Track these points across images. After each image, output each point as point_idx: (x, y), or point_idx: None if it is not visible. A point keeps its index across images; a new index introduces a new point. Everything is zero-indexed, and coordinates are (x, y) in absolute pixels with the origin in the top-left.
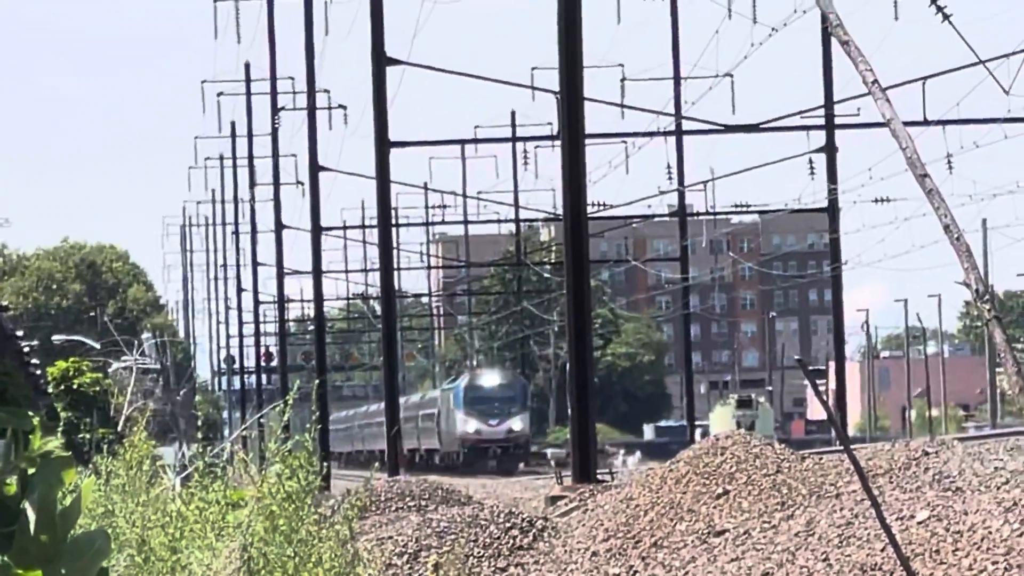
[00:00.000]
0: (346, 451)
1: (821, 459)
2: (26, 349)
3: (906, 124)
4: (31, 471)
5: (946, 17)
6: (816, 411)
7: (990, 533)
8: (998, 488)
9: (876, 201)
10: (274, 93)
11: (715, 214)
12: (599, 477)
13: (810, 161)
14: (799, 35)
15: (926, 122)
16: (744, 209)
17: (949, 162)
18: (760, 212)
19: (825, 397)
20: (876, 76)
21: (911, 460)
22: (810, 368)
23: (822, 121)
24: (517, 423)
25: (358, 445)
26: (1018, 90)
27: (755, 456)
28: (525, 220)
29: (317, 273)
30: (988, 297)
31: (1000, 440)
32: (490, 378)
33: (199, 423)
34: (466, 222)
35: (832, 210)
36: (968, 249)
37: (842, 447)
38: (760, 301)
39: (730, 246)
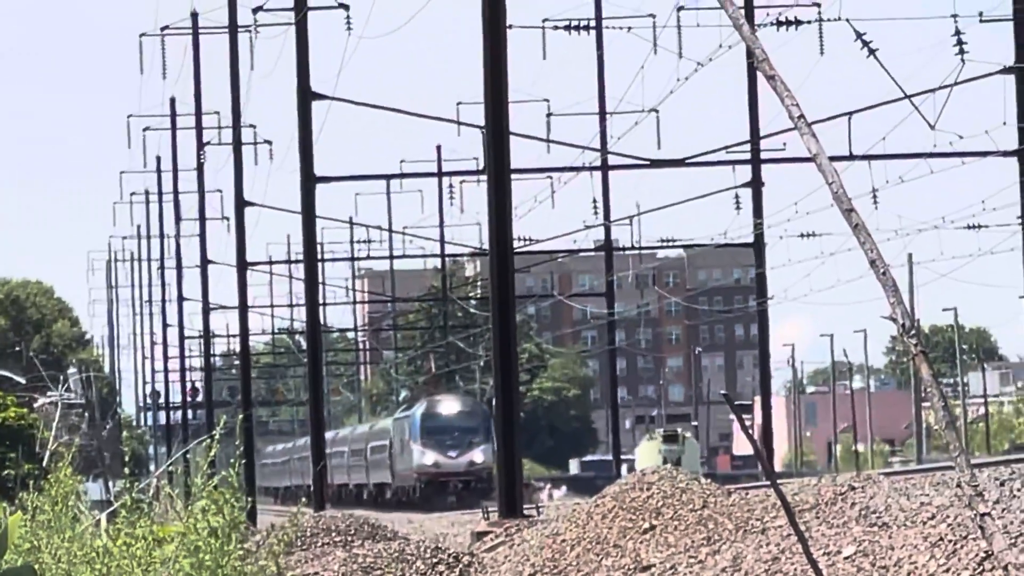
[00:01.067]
0: (282, 486)
1: (747, 494)
2: None
3: (832, 159)
4: None
5: (872, 52)
6: (742, 446)
7: (916, 568)
8: (924, 523)
9: (802, 236)
10: (199, 128)
11: (641, 249)
12: (525, 512)
13: (736, 196)
14: (725, 70)
15: (852, 157)
16: (670, 244)
17: (875, 196)
18: (686, 247)
19: (751, 432)
20: (802, 111)
21: (837, 495)
22: (736, 403)
23: (748, 156)
24: (479, 455)
25: (296, 480)
26: (943, 125)
27: (681, 491)
28: (451, 255)
29: (243, 308)
30: (914, 332)
31: (926, 475)
32: (449, 405)
33: (124, 459)
34: (392, 257)
35: (758, 245)
36: (894, 284)
37: (768, 482)
38: (686, 336)
39: (656, 281)
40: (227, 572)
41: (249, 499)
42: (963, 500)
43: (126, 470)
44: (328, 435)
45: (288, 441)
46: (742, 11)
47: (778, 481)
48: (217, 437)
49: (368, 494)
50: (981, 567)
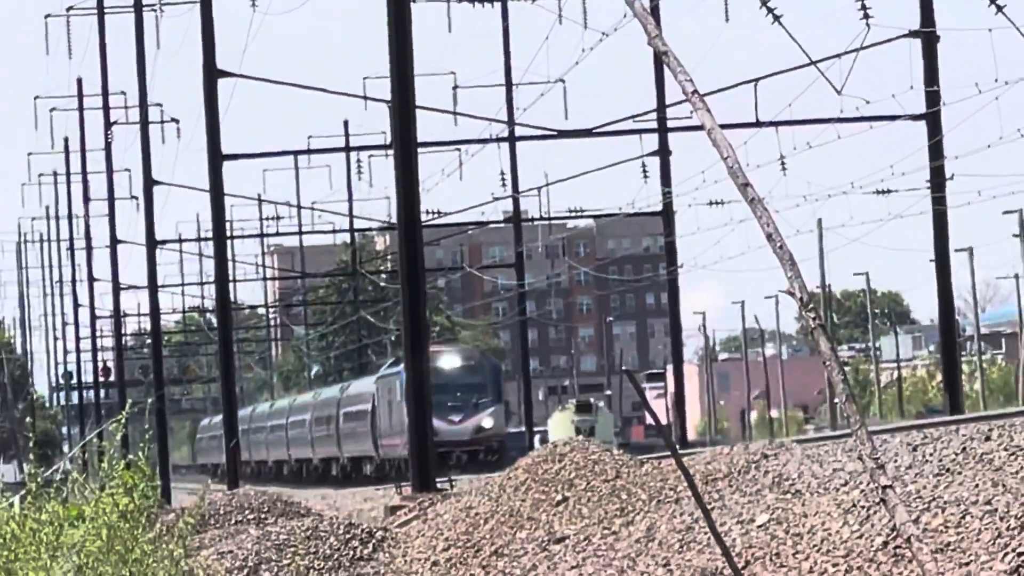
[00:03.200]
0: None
1: (660, 464)
2: None
3: (739, 126)
4: None
5: (776, 18)
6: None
7: (830, 535)
8: (837, 490)
9: (710, 204)
10: (107, 108)
11: (550, 219)
12: (438, 486)
13: (643, 165)
14: (630, 39)
15: (759, 123)
16: (579, 214)
17: (783, 163)
18: (595, 217)
19: (661, 403)
20: (696, 86)
21: (750, 463)
22: (649, 372)
23: (655, 125)
24: (487, 419)
25: (256, 454)
26: (850, 90)
27: (594, 462)
28: (360, 229)
29: (153, 287)
30: (812, 306)
31: (839, 442)
32: (449, 359)
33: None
34: (301, 233)
35: (666, 213)
36: (791, 257)
37: (674, 453)
38: (597, 306)
39: (566, 251)
40: (136, 556)
41: (161, 479)
42: (866, 472)
43: (31, 454)
44: (263, 407)
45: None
46: None
47: (691, 450)
48: (128, 416)
49: (342, 470)
50: (894, 532)
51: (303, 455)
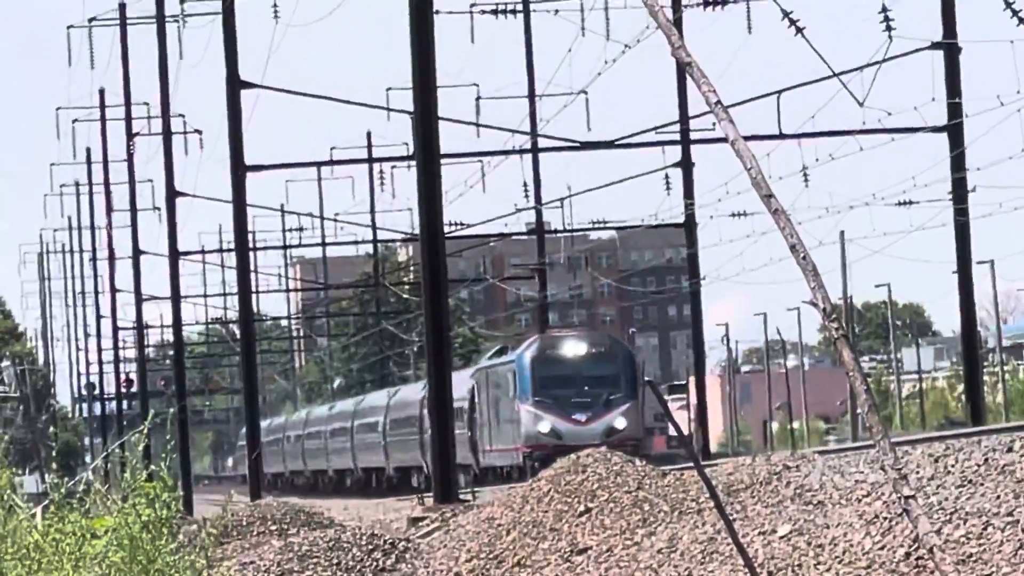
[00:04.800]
0: (290, 470)
1: (682, 475)
2: None
3: (761, 138)
4: None
5: (799, 30)
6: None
7: (852, 546)
8: (859, 501)
9: (733, 215)
10: (129, 119)
11: (572, 231)
12: (460, 497)
13: (666, 176)
14: (653, 51)
15: (781, 135)
16: (601, 225)
17: (805, 175)
18: (618, 228)
19: (683, 414)
20: (719, 97)
21: (772, 474)
22: (672, 384)
23: (677, 136)
24: (620, 419)
25: (315, 462)
26: (872, 102)
27: (616, 473)
28: (383, 241)
29: (175, 298)
30: (835, 316)
31: (860, 453)
32: (573, 345)
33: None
34: (324, 244)
35: (689, 225)
36: (815, 268)
37: (697, 465)
38: (620, 317)
39: (588, 263)
40: (159, 567)
41: (185, 490)
42: (889, 483)
43: (55, 464)
44: (343, 404)
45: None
46: None
47: (713, 461)
48: (150, 427)
49: (421, 480)
50: (917, 544)
51: (372, 463)
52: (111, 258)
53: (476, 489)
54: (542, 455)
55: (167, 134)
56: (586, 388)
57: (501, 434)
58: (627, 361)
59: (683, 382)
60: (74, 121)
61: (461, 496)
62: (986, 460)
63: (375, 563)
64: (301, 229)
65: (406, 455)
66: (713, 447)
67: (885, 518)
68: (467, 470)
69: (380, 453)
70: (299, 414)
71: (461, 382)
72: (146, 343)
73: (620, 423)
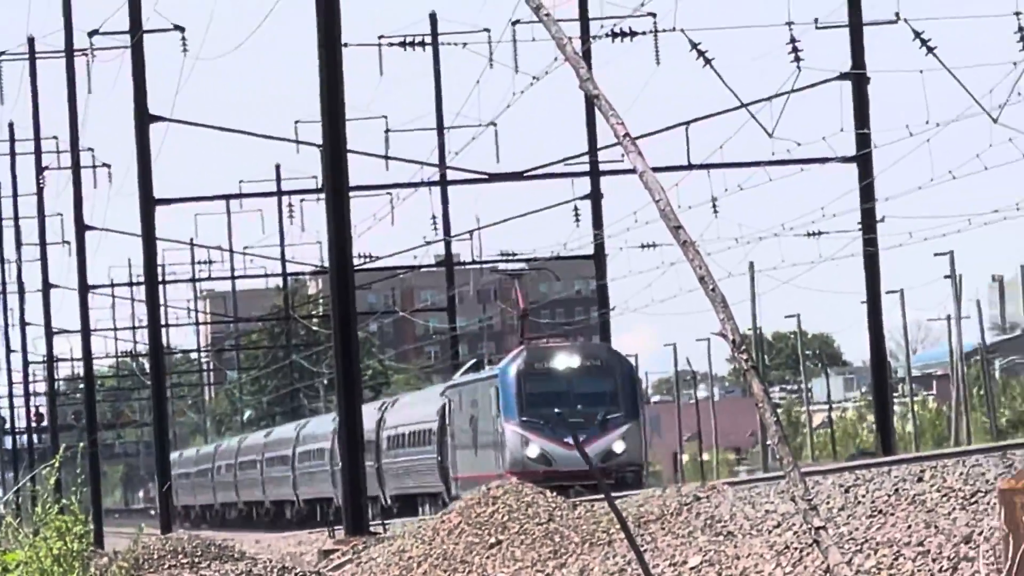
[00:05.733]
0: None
1: (593, 506)
2: None
3: (670, 169)
4: None
5: (707, 61)
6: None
7: None
8: (769, 532)
9: (642, 247)
10: (38, 152)
11: (482, 263)
12: (372, 530)
13: (575, 208)
14: (561, 83)
15: (690, 166)
16: (511, 257)
17: (714, 205)
18: (527, 260)
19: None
20: (627, 129)
21: (683, 505)
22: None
23: (586, 168)
24: (618, 441)
25: (248, 494)
26: (781, 132)
27: (527, 505)
28: (292, 274)
29: (85, 332)
30: (744, 347)
31: (771, 483)
32: (566, 358)
33: None
34: (233, 277)
35: (598, 256)
36: (724, 299)
37: (607, 497)
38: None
39: (497, 295)
40: None
41: (93, 523)
42: (799, 514)
43: None
44: (253, 437)
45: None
46: (573, 27)
47: (623, 493)
48: (60, 461)
49: (393, 507)
50: (828, 574)
51: (282, 495)
52: (21, 291)
53: (387, 522)
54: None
55: (76, 168)
56: (580, 407)
57: (480, 459)
58: (627, 376)
59: None
60: None
61: (372, 528)
62: (896, 490)
63: None
64: (210, 262)
65: (317, 487)
66: None
67: (796, 548)
68: (435, 499)
69: (290, 486)
70: (207, 448)
71: (430, 400)
72: (56, 377)
73: (618, 447)
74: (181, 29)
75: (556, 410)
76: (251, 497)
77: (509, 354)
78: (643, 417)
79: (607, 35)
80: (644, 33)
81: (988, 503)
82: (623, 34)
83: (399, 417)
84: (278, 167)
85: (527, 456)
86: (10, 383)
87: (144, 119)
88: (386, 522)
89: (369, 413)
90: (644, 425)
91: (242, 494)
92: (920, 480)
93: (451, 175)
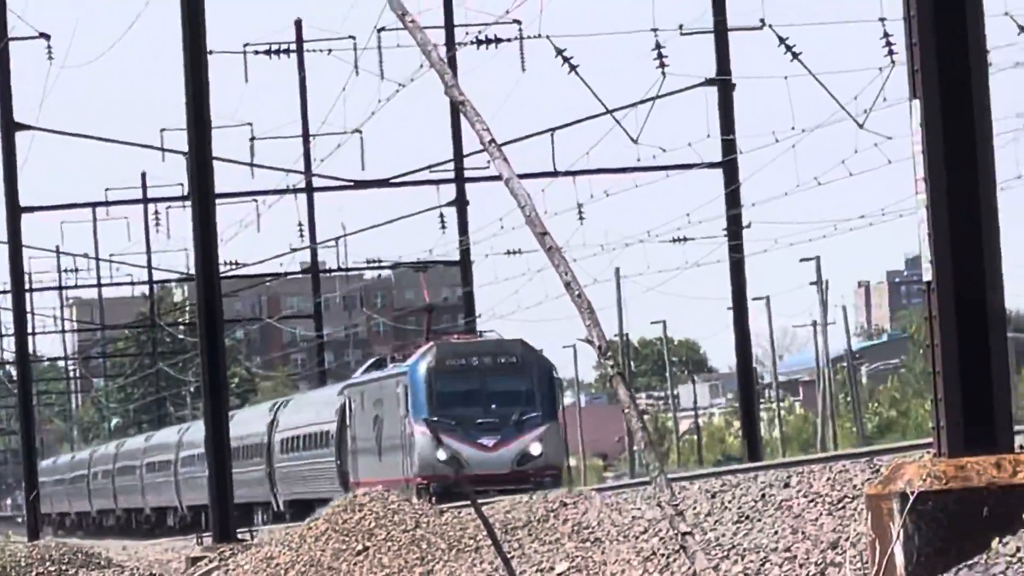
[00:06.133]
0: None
1: (460, 513)
2: None
3: (536, 175)
4: None
5: (573, 68)
6: None
7: None
8: (637, 538)
9: (508, 253)
10: None
11: (348, 270)
12: (239, 536)
13: (441, 215)
14: (427, 90)
15: (556, 173)
16: (377, 264)
17: (580, 212)
18: (392, 267)
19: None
20: (493, 135)
21: (550, 512)
22: None
23: (452, 175)
24: (535, 443)
25: (127, 500)
26: (647, 139)
27: (393, 512)
28: (158, 281)
29: None
30: (611, 353)
31: (638, 490)
32: (480, 354)
33: None
34: (100, 284)
35: (464, 263)
36: (590, 305)
37: (474, 503)
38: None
39: (364, 302)
40: None
41: None
42: (666, 519)
43: None
44: (132, 442)
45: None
46: (438, 34)
47: (490, 499)
48: None
49: (272, 514)
50: None
51: (162, 502)
52: None
53: (254, 528)
54: (440, 487)
55: None
56: (494, 406)
57: (385, 463)
58: (544, 374)
59: None
60: None
61: (240, 535)
62: (763, 496)
63: None
64: (77, 270)
65: (201, 493)
66: None
67: (662, 555)
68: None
69: (172, 492)
70: (82, 454)
71: (327, 401)
72: None
73: (535, 448)
74: (47, 37)
75: (469, 410)
76: (130, 504)
77: (417, 350)
78: (560, 419)
79: (472, 42)
80: (509, 40)
81: (855, 508)
82: (488, 41)
83: (293, 419)
84: (144, 175)
85: (438, 459)
86: None
87: (9, 127)
88: (253, 528)
89: (260, 415)
90: (561, 426)
91: (120, 501)
92: (787, 486)
93: (317, 182)
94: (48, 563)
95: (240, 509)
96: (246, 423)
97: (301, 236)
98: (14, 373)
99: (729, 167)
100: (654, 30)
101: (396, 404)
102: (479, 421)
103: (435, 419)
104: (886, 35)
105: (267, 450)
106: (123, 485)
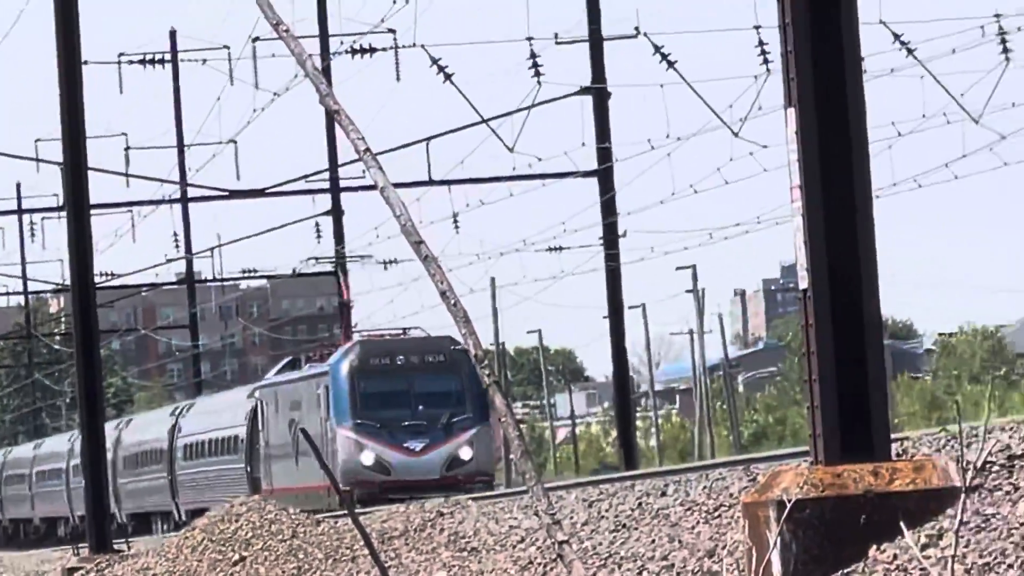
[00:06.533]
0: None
1: (337, 523)
2: None
3: (411, 185)
4: None
5: (448, 77)
6: None
7: None
8: (513, 547)
9: (384, 263)
10: None
11: (223, 280)
12: (116, 547)
13: (317, 225)
14: (303, 99)
15: (431, 182)
16: (252, 274)
17: (456, 221)
18: (268, 277)
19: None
20: (368, 144)
21: (427, 521)
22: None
23: (327, 184)
24: (465, 448)
25: (15, 510)
26: (523, 147)
27: (271, 522)
28: (33, 292)
29: None
30: (487, 362)
31: (515, 499)
32: (406, 353)
33: None
34: None
35: (339, 273)
36: (466, 315)
37: (351, 513)
38: (272, 366)
39: (239, 312)
40: None
41: None
42: (543, 528)
43: None
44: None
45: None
46: (313, 44)
47: (367, 509)
48: None
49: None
50: None
51: (53, 512)
52: None
53: (131, 539)
54: (364, 494)
55: None
56: (422, 408)
57: (303, 469)
58: (475, 373)
59: None
60: None
61: (116, 546)
62: (640, 504)
63: None
64: None
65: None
66: None
67: (539, 564)
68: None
69: (63, 501)
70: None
71: (236, 404)
72: None
73: (465, 453)
74: None
75: (395, 412)
76: (19, 514)
77: (338, 349)
78: (490, 422)
79: (347, 51)
80: (384, 49)
81: (732, 517)
82: (363, 50)
83: (197, 423)
84: (19, 185)
85: (362, 464)
86: None
87: None
88: (130, 539)
89: (161, 419)
90: (492, 428)
91: (8, 511)
92: (664, 494)
93: (192, 192)
94: None
95: (138, 519)
96: (145, 429)
97: (176, 246)
98: None
99: (604, 175)
100: (529, 39)
101: (316, 406)
102: (406, 424)
103: (359, 422)
104: (761, 43)
105: (169, 457)
106: (11, 495)
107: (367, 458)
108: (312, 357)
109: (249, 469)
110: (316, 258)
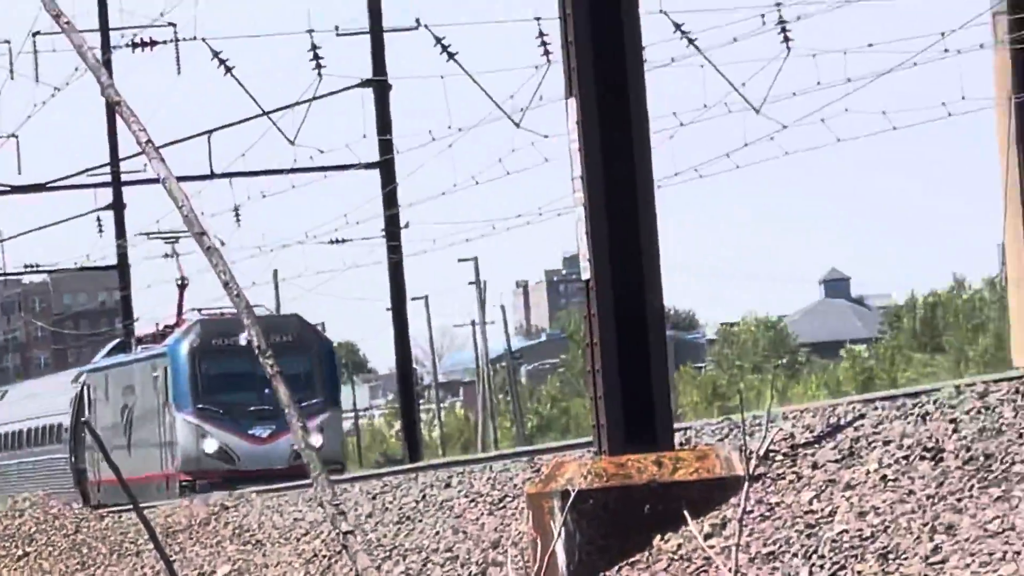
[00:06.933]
0: None
1: (121, 517)
2: None
3: (194, 178)
4: None
5: (228, 70)
6: None
7: None
8: (298, 540)
9: (166, 256)
10: None
11: (5, 275)
12: None
13: (98, 218)
14: (84, 93)
15: (213, 175)
16: (34, 269)
17: (237, 213)
18: (49, 272)
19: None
20: (149, 136)
21: (211, 515)
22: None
23: (109, 178)
24: (315, 434)
25: None
26: (305, 140)
27: (54, 517)
28: None
29: None
30: (269, 355)
31: (299, 491)
32: (245, 329)
33: None
34: None
35: (122, 267)
36: (248, 306)
37: (135, 507)
38: (55, 360)
39: (22, 306)
40: None
41: None
42: (327, 520)
43: None
44: None
45: None
46: (94, 37)
47: (152, 503)
48: None
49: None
50: None
51: None
52: None
53: None
54: (207, 485)
55: None
56: (268, 392)
57: (137, 458)
58: (324, 354)
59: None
60: None
61: None
62: (424, 496)
63: None
64: None
65: None
66: None
67: (324, 556)
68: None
69: None
70: None
71: (57, 390)
72: None
73: (316, 440)
74: None
75: (239, 396)
76: None
77: (177, 329)
78: (339, 406)
79: (128, 44)
80: (165, 42)
81: (516, 508)
82: (144, 44)
83: (12, 412)
84: None
85: (204, 452)
86: None
87: None
88: None
89: None
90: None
91: None
92: (448, 486)
93: None
94: None
95: None
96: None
97: None
98: None
99: (386, 167)
100: (310, 31)
101: (153, 390)
102: (251, 409)
103: (200, 407)
104: (541, 34)
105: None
106: None
107: (210, 446)
108: (144, 339)
109: (73, 460)
110: (149, 234)
